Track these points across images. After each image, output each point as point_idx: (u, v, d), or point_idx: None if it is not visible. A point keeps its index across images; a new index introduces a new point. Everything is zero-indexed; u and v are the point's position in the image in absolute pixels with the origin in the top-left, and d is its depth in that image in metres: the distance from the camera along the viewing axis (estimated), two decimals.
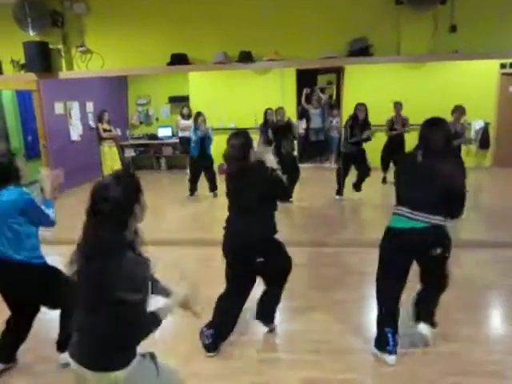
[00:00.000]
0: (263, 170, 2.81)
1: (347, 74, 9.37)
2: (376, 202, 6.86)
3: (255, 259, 2.84)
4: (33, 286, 2.61)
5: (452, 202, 2.66)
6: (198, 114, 7.22)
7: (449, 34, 4.31)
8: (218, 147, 7.59)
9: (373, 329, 3.28)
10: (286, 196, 3.51)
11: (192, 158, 7.45)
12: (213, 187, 7.40)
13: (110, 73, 5.18)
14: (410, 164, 2.79)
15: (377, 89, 8.78)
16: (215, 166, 7.57)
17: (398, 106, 7.34)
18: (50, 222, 2.65)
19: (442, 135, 2.67)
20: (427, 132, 2.71)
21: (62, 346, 2.80)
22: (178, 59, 4.68)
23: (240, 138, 2.84)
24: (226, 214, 2.97)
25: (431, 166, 2.66)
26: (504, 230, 5.25)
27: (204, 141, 7.21)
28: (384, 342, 2.83)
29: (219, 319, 3.01)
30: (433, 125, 2.71)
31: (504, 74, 8.84)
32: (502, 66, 8.72)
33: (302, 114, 9.68)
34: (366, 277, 4.12)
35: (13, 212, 2.52)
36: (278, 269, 3.06)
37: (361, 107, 6.46)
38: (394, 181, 2.98)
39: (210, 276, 3.99)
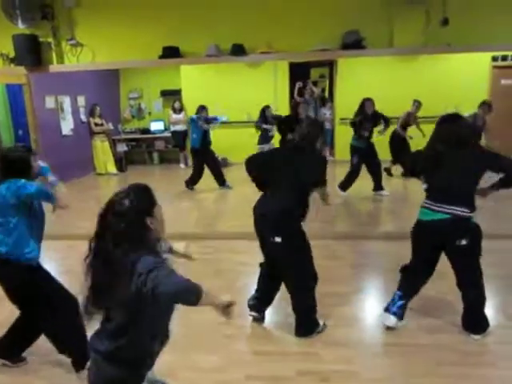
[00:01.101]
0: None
1: (340, 68, 9.36)
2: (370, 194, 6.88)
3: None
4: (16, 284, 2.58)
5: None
6: (202, 107, 7.22)
7: (441, 27, 4.32)
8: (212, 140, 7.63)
9: (367, 320, 3.31)
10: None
11: (195, 150, 7.35)
12: (222, 180, 7.32)
13: (100, 66, 5.12)
14: (436, 158, 2.83)
15: (370, 82, 8.77)
16: None
17: (416, 103, 7.35)
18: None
19: (461, 130, 2.81)
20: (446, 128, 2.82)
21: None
22: (170, 52, 4.64)
23: None
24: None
25: (462, 157, 2.78)
26: (495, 221, 5.29)
27: (207, 133, 7.21)
28: (390, 302, 3.00)
29: (261, 286, 3.22)
30: (448, 121, 2.85)
31: (495, 66, 8.90)
32: (494, 58, 8.77)
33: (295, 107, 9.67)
34: (360, 269, 4.15)
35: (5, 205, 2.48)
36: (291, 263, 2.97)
37: (367, 103, 6.37)
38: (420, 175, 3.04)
39: (210, 269, 4.01)
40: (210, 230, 5.10)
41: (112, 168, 9.21)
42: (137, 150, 10.39)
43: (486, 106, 6.22)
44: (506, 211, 5.75)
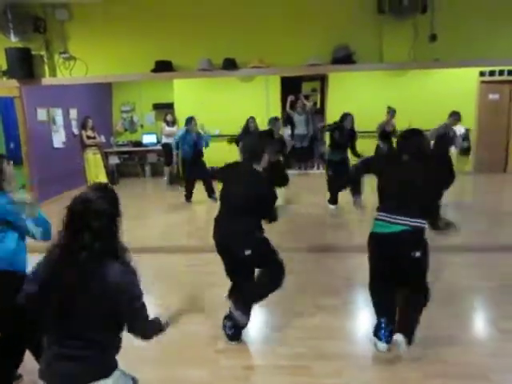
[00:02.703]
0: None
1: (331, 82, 9.48)
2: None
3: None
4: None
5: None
6: (191, 118, 7.26)
7: (429, 42, 4.41)
8: (205, 153, 7.65)
9: (359, 333, 3.31)
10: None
11: (185, 161, 7.39)
12: (211, 191, 7.26)
13: (93, 79, 5.13)
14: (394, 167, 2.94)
15: (360, 96, 8.89)
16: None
17: (391, 112, 7.44)
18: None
19: (415, 145, 2.88)
20: (403, 144, 2.96)
21: None
22: (163, 66, 4.68)
23: None
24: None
25: (411, 171, 2.82)
26: (485, 235, 5.34)
27: (197, 144, 7.23)
28: (378, 329, 2.99)
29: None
30: (406, 138, 2.96)
31: (483, 81, 9.06)
32: (481, 74, 8.94)
33: (287, 120, 9.75)
34: (351, 282, 4.15)
35: None
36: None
37: (348, 117, 6.47)
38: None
39: (202, 282, 3.99)
40: (202, 243, 5.07)
41: (104, 180, 9.17)
42: (129, 163, 10.37)
43: (456, 115, 6.35)
44: (496, 224, 5.80)
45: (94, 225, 1.65)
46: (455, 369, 2.83)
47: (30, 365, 2.55)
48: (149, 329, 1.82)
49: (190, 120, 7.23)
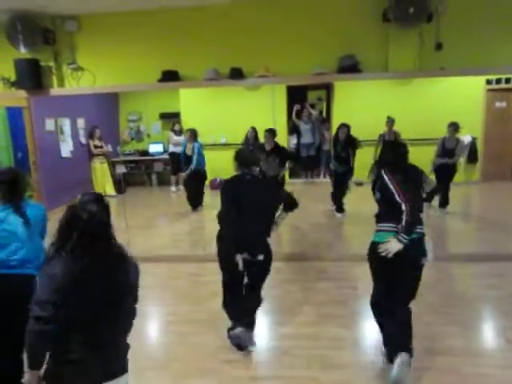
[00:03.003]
0: None
1: (337, 90, 9.49)
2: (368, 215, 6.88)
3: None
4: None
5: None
6: (189, 130, 7.39)
7: (435, 51, 4.41)
8: (209, 162, 7.68)
9: (365, 343, 3.28)
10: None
11: (202, 173, 7.53)
12: (197, 203, 7.43)
13: (101, 90, 5.19)
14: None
15: (366, 104, 8.89)
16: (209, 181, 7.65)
17: (389, 121, 7.42)
18: None
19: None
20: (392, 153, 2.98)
21: None
22: (169, 76, 4.72)
23: None
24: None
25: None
26: (494, 244, 5.29)
27: (191, 156, 7.29)
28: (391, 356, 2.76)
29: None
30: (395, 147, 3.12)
31: (490, 89, 9.03)
32: (488, 82, 8.90)
33: (293, 129, 9.78)
34: (356, 291, 4.12)
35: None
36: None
37: (342, 129, 6.56)
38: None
39: (206, 291, 3.97)
40: (206, 252, 5.07)
41: (111, 190, 9.22)
42: (135, 172, 10.43)
43: (453, 126, 6.42)
44: (504, 232, 5.75)
45: (97, 233, 1.78)
46: (464, 379, 2.79)
47: None
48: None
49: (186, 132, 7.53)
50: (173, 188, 9.51)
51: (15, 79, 4.79)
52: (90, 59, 4.86)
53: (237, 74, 4.64)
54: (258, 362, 3.12)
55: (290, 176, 8.93)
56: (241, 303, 3.25)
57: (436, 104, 8.64)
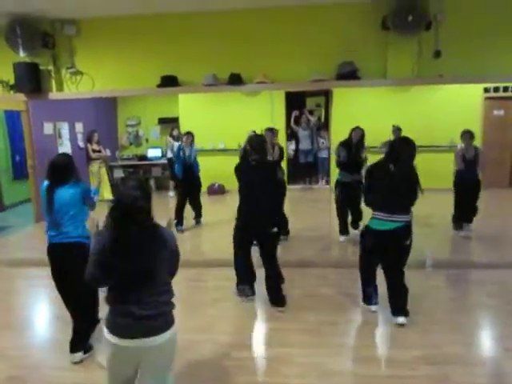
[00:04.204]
0: None
1: (335, 97, 9.50)
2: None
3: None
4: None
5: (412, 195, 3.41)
6: (186, 133, 6.89)
7: (433, 58, 4.43)
8: (207, 168, 7.66)
9: (361, 351, 3.26)
10: None
11: (177, 179, 6.89)
12: (197, 214, 6.91)
13: (100, 94, 5.19)
14: (384, 174, 3.43)
15: (364, 111, 8.90)
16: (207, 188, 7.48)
17: (395, 130, 7.28)
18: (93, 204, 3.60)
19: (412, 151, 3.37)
20: (400, 148, 3.40)
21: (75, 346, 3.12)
22: (168, 81, 4.72)
23: None
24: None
25: (403, 173, 3.38)
26: (492, 252, 5.28)
27: (188, 162, 6.68)
28: (369, 297, 3.78)
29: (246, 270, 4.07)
30: (405, 142, 3.40)
31: (487, 97, 9.06)
32: (486, 90, 8.94)
33: (292, 135, 9.80)
34: (354, 298, 4.10)
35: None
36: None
37: (357, 131, 5.67)
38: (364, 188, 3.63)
39: (207, 298, 3.94)
40: (206, 258, 5.06)
41: (108, 194, 9.17)
42: (134, 177, 10.42)
43: (469, 134, 5.85)
44: (503, 240, 5.75)
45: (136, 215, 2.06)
46: None
47: None
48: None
49: (183, 136, 6.92)
50: (171, 193, 9.48)
51: (14, 83, 4.79)
52: (89, 63, 4.87)
53: (236, 80, 4.65)
54: (256, 369, 3.09)
55: (289, 182, 8.92)
56: (248, 267, 4.07)
57: (434, 112, 8.66)
